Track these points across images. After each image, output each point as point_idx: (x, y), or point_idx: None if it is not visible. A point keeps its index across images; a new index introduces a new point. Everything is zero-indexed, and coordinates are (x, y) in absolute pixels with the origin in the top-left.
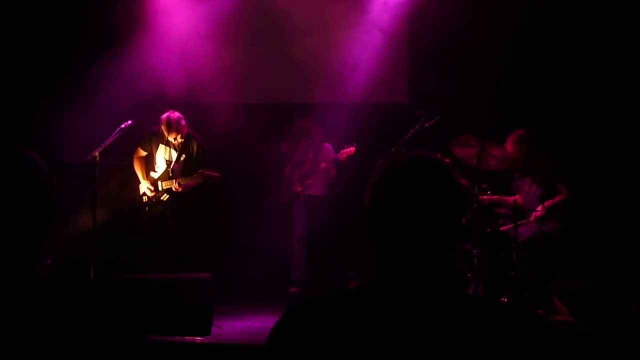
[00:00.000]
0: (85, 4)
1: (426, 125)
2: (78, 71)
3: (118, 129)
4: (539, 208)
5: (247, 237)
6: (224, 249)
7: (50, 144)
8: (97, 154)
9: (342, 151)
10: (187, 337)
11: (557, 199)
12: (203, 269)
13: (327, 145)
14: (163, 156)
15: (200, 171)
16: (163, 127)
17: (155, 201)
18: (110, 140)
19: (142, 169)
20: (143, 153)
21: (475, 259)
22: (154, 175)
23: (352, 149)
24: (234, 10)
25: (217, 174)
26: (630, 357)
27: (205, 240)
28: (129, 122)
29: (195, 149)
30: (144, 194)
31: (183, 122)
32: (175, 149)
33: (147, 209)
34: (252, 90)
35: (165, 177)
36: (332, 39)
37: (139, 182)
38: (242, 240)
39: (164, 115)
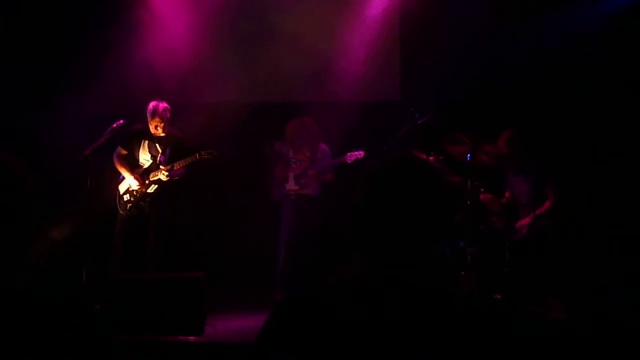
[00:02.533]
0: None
1: (419, 122)
2: (69, 70)
3: (110, 128)
4: (528, 220)
5: (240, 236)
6: (217, 248)
7: (43, 143)
8: (89, 153)
9: (349, 154)
10: (180, 337)
11: (545, 206)
12: (196, 269)
13: (323, 146)
14: (147, 151)
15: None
16: (149, 113)
17: (140, 196)
18: (102, 139)
19: (125, 166)
20: (124, 152)
21: (469, 257)
22: (139, 171)
23: (362, 153)
24: (225, 9)
25: (215, 152)
26: (622, 354)
27: (198, 239)
28: (121, 121)
29: (178, 142)
30: (127, 190)
31: (169, 114)
32: (159, 142)
33: (128, 207)
34: (244, 89)
35: (152, 170)
36: (324, 38)
37: (119, 182)
38: (235, 239)
39: (152, 103)
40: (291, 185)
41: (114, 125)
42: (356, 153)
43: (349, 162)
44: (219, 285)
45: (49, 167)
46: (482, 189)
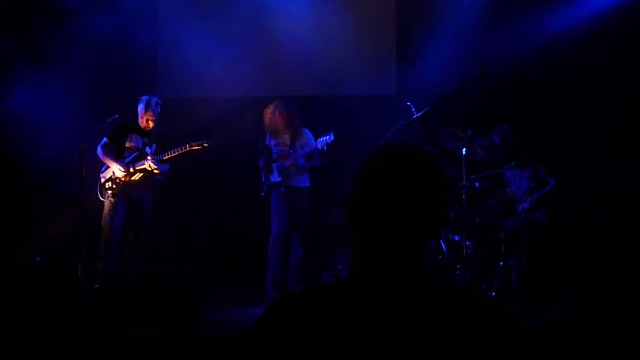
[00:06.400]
0: None
1: (414, 117)
2: (62, 64)
3: (104, 122)
4: (527, 204)
5: (238, 231)
6: (215, 244)
7: (36, 138)
8: (83, 148)
9: (319, 139)
10: (176, 332)
11: (544, 189)
12: (192, 263)
13: (305, 130)
14: (134, 143)
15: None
16: (141, 106)
17: (124, 184)
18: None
19: (110, 155)
20: (109, 143)
21: (464, 251)
22: (124, 160)
23: (331, 137)
24: (221, 3)
25: (206, 144)
26: (617, 346)
27: (195, 235)
28: (115, 115)
29: (164, 139)
30: (111, 178)
31: (159, 109)
32: (146, 135)
33: (111, 194)
34: (239, 84)
35: (138, 159)
36: (320, 32)
37: (101, 172)
38: (234, 234)
39: (145, 97)
40: (275, 177)
41: (109, 119)
42: (325, 137)
43: (319, 147)
44: (216, 280)
45: (43, 161)
46: (477, 184)
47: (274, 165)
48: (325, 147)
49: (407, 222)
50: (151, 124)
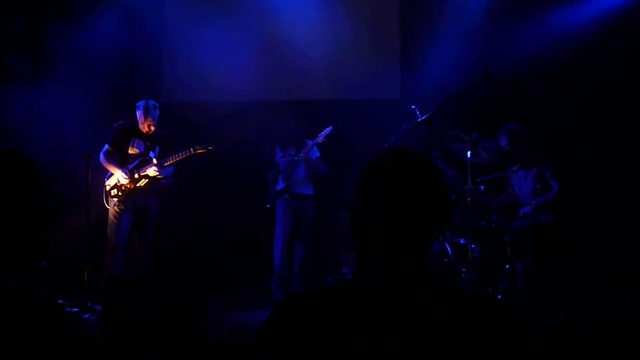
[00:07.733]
0: None
1: (419, 120)
2: (63, 65)
3: (110, 128)
4: (528, 208)
5: (242, 234)
6: (219, 247)
7: (41, 143)
8: (88, 153)
9: (319, 134)
10: (180, 336)
11: (548, 195)
12: (197, 267)
13: (309, 142)
14: (137, 148)
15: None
16: (140, 113)
17: (129, 191)
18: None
19: (113, 162)
20: (111, 150)
21: (470, 254)
22: (128, 167)
23: (329, 128)
24: (227, 9)
25: (211, 146)
26: (624, 349)
27: (200, 238)
28: (120, 121)
29: (167, 141)
30: (116, 185)
31: (158, 111)
32: (148, 139)
33: (117, 201)
34: (244, 88)
35: (142, 165)
36: (324, 36)
37: (106, 179)
38: (237, 237)
39: (141, 102)
40: (280, 185)
41: (114, 125)
42: (324, 131)
43: (321, 141)
44: (221, 284)
45: (49, 166)
46: (481, 187)
47: (280, 176)
48: (324, 139)
49: (408, 225)
50: (152, 128)
